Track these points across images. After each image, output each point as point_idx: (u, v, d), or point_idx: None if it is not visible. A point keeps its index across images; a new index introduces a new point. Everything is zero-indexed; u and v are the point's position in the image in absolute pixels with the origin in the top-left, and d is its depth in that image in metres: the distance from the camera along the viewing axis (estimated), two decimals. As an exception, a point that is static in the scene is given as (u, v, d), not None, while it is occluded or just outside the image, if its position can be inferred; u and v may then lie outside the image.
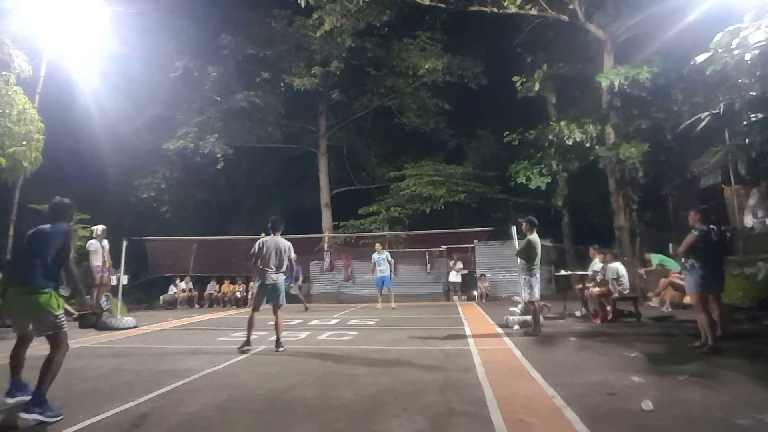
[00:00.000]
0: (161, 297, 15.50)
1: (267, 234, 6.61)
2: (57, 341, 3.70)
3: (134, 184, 17.14)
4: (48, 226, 3.90)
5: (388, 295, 12.53)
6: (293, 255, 6.54)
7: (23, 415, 3.38)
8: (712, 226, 5.67)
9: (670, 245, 11.31)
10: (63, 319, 3.77)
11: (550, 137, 12.18)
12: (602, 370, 4.64)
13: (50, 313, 3.69)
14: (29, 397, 3.54)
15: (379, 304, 12.38)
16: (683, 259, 5.83)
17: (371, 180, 21.23)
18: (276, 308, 6.32)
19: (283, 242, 6.47)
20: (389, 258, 12.53)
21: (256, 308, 6.41)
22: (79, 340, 7.45)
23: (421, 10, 15.54)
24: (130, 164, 17.36)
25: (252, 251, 6.42)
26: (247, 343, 6.18)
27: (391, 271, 12.53)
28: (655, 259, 10.28)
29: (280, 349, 6.10)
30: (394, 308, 12.04)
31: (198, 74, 16.42)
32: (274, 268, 6.30)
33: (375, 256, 12.60)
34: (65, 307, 10.80)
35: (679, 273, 8.77)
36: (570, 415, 3.32)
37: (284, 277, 6.45)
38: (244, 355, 5.88)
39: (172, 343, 7.22)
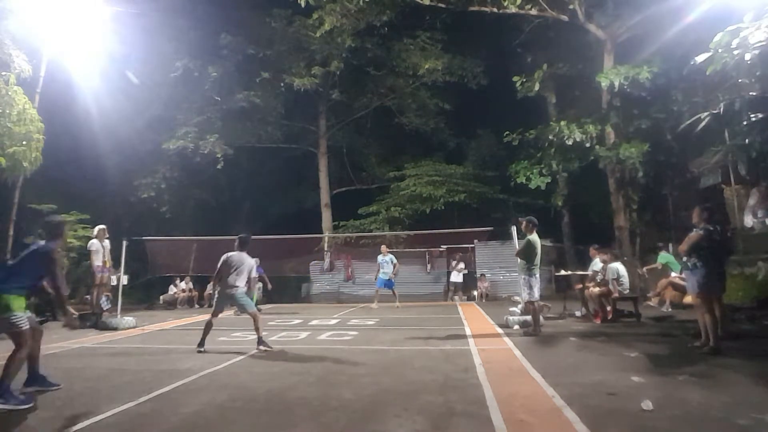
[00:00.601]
0: (161, 297, 15.48)
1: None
2: (17, 341, 4.02)
3: (134, 184, 17.12)
4: (42, 243, 4.26)
5: (391, 295, 12.54)
6: (255, 274, 6.73)
7: None
8: (716, 226, 5.61)
9: (670, 245, 11.30)
10: (21, 321, 4.01)
11: (550, 137, 12.19)
12: (602, 370, 4.63)
13: (8, 314, 3.95)
14: (45, 388, 4.18)
15: (375, 304, 12.40)
16: (684, 258, 5.78)
17: (371, 180, 21.23)
18: (251, 316, 6.39)
19: (248, 260, 6.58)
20: (394, 260, 12.52)
21: (214, 314, 6.57)
22: (79, 340, 7.44)
23: (421, 10, 15.55)
24: (130, 164, 17.36)
25: (219, 264, 6.50)
26: (201, 344, 6.23)
27: (392, 272, 12.50)
28: (662, 259, 10.16)
29: (261, 347, 6.17)
30: (397, 307, 12.06)
31: (198, 74, 16.41)
32: (231, 282, 6.37)
33: (380, 258, 12.61)
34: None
35: (680, 273, 8.76)
36: (570, 415, 3.32)
37: (241, 290, 6.44)
38: (243, 356, 5.88)
39: (172, 343, 7.23)
